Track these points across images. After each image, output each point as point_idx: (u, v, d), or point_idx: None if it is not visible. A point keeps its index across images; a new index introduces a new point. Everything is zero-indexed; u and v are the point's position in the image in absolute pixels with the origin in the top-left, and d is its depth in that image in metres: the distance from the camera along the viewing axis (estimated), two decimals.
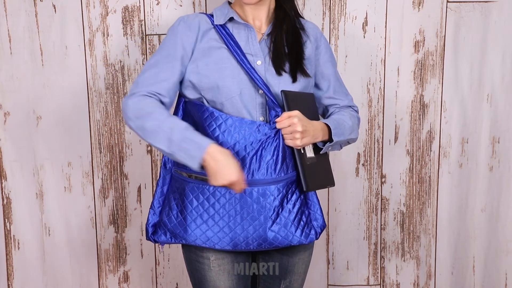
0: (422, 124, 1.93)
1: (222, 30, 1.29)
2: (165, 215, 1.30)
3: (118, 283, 1.98)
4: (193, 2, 1.85)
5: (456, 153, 1.95)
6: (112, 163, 1.91)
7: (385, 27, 1.88)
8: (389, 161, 1.95)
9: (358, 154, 1.95)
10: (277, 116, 1.24)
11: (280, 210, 1.26)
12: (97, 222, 1.94)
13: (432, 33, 1.88)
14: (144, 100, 1.21)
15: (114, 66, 1.86)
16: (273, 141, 1.24)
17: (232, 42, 1.27)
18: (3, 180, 1.90)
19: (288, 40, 1.33)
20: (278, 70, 1.29)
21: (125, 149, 1.90)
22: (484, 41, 1.88)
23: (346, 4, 1.86)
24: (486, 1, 1.86)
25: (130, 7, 1.83)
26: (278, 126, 1.23)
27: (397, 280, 2.03)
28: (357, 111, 1.47)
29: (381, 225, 1.99)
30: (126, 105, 1.22)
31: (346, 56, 1.89)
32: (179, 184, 1.29)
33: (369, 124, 1.93)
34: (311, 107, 1.35)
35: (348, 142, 1.39)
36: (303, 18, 1.40)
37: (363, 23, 1.88)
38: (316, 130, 1.27)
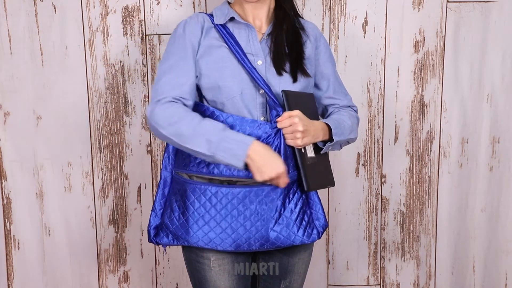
0: (422, 124, 1.93)
1: (223, 30, 1.29)
2: (167, 217, 1.29)
3: (118, 283, 1.98)
4: (193, 2, 1.85)
5: (456, 153, 1.95)
6: (112, 163, 1.91)
7: (385, 27, 1.88)
8: (389, 161, 1.95)
9: (358, 154, 1.95)
10: (278, 115, 1.24)
11: (283, 210, 1.26)
12: (97, 222, 1.94)
13: (432, 33, 1.88)
14: (171, 106, 1.20)
15: (114, 66, 1.86)
16: (274, 140, 1.24)
17: (232, 42, 1.27)
18: (3, 180, 1.90)
19: (288, 40, 1.33)
20: (279, 70, 1.29)
21: (125, 149, 1.90)
22: (484, 41, 1.88)
23: (346, 4, 1.86)
24: (486, 1, 1.86)
25: (130, 7, 1.83)
26: (279, 125, 1.22)
27: (397, 280, 2.03)
28: (356, 111, 1.47)
29: (381, 225, 1.99)
30: (154, 114, 1.20)
31: (346, 56, 1.89)
32: (180, 185, 1.28)
33: (369, 124, 1.93)
34: (311, 107, 1.36)
35: (347, 142, 1.39)
36: (302, 18, 1.41)
37: (363, 23, 1.88)
38: (316, 130, 1.27)
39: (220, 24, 1.30)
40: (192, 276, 1.35)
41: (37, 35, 1.82)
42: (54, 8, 1.82)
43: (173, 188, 1.31)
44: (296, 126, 1.21)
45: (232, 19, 1.31)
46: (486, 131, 1.94)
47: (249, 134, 1.23)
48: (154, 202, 1.35)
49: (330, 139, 1.32)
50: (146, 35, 1.85)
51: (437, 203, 1.98)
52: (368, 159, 1.95)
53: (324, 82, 1.43)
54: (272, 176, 1.16)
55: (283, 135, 1.24)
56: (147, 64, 1.86)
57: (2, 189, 1.90)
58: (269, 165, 1.16)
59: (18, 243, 1.93)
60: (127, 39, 1.84)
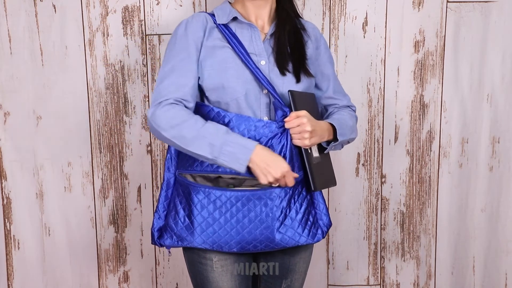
0: (422, 124, 1.93)
1: (225, 30, 1.28)
2: (172, 219, 1.28)
3: (118, 283, 1.98)
4: (193, 2, 1.85)
5: (456, 153, 1.95)
6: (112, 163, 1.91)
7: (385, 27, 1.88)
8: (389, 161, 1.95)
9: (358, 154, 1.95)
10: (285, 116, 1.24)
11: (288, 211, 1.26)
12: (97, 222, 1.94)
13: (432, 33, 1.88)
14: (173, 108, 1.20)
15: (114, 66, 1.86)
16: (281, 140, 1.24)
17: (236, 42, 1.27)
18: (3, 180, 1.90)
19: (290, 41, 1.33)
20: (282, 70, 1.29)
21: (125, 149, 1.90)
22: (484, 41, 1.88)
23: (346, 4, 1.86)
24: (486, 1, 1.86)
25: (130, 7, 1.83)
26: (287, 125, 1.22)
27: (397, 280, 2.03)
28: (354, 111, 1.48)
29: (381, 225, 1.99)
30: (156, 116, 1.20)
31: (346, 56, 1.89)
32: (184, 187, 1.28)
33: (369, 124, 1.93)
34: (315, 107, 1.36)
35: (348, 141, 1.40)
36: (302, 18, 1.41)
37: (363, 23, 1.88)
38: (323, 130, 1.27)
39: (223, 24, 1.30)
40: (194, 277, 1.34)
41: (37, 35, 1.82)
42: (54, 8, 1.82)
43: (177, 190, 1.31)
44: (305, 127, 1.21)
45: (234, 19, 1.31)
46: (486, 131, 1.94)
47: (255, 134, 1.23)
48: (157, 204, 1.34)
49: (334, 139, 1.32)
50: (146, 35, 1.85)
51: (437, 203, 1.98)
52: (368, 159, 1.95)
53: (324, 82, 1.43)
54: (277, 176, 1.17)
55: (290, 135, 1.24)
56: (147, 64, 1.86)
57: (2, 189, 1.90)
58: (273, 166, 1.16)
59: (18, 243, 1.93)
60: (127, 39, 1.84)
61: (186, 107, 1.23)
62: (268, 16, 1.34)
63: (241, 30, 1.30)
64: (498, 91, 1.91)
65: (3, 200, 1.90)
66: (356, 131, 1.42)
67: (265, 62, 1.29)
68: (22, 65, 1.84)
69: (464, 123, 1.94)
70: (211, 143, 1.16)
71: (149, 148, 1.91)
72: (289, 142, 1.24)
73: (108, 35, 1.84)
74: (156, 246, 1.97)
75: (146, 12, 1.84)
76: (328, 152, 1.38)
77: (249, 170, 1.18)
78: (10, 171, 1.89)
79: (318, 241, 1.31)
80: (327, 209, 1.35)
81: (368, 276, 2.02)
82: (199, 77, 1.27)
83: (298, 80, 1.30)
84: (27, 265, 1.94)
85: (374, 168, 1.95)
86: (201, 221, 1.24)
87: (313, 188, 1.26)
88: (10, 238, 1.93)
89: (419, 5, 1.87)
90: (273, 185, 1.21)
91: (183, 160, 1.29)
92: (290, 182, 1.19)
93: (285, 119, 1.22)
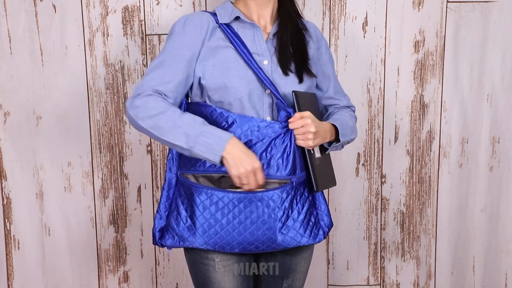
0: (422, 124, 1.93)
1: (228, 29, 1.28)
2: (173, 219, 1.28)
3: (118, 283, 1.98)
4: (193, 2, 1.85)
5: (456, 153, 1.95)
6: (112, 163, 1.91)
7: (385, 27, 1.88)
8: (389, 161, 1.95)
9: (358, 154, 1.95)
10: (289, 116, 1.24)
11: (290, 212, 1.25)
12: (97, 222, 1.94)
13: (432, 33, 1.88)
14: (153, 99, 1.20)
15: (114, 66, 1.86)
16: (284, 140, 1.24)
17: (238, 42, 1.26)
18: (3, 180, 1.90)
19: (293, 41, 1.32)
20: (285, 70, 1.29)
21: (125, 149, 1.90)
22: (484, 41, 1.88)
23: (346, 4, 1.86)
24: (486, 1, 1.86)
25: (130, 7, 1.83)
26: (291, 126, 1.22)
27: (397, 280, 2.03)
28: (354, 111, 1.48)
29: (381, 225, 1.99)
30: (134, 106, 1.20)
31: (346, 56, 1.89)
32: (186, 188, 1.27)
33: (369, 124, 1.93)
34: (316, 107, 1.36)
35: (348, 142, 1.40)
36: (303, 18, 1.41)
37: (363, 23, 1.88)
38: (325, 131, 1.28)
39: (225, 24, 1.29)
40: (196, 277, 1.33)
41: (37, 35, 1.82)
42: (54, 8, 1.82)
43: (178, 190, 1.30)
44: (309, 127, 1.21)
45: (237, 18, 1.31)
46: (486, 131, 1.94)
47: (258, 134, 1.23)
48: (158, 204, 1.33)
49: (336, 140, 1.33)
50: (146, 35, 1.85)
51: (437, 203, 1.98)
52: (368, 159, 1.95)
53: (325, 82, 1.43)
54: (248, 170, 1.16)
55: (293, 135, 1.24)
56: (147, 64, 1.85)
57: (2, 189, 1.90)
58: (246, 159, 1.16)
59: (18, 243, 1.93)
60: (127, 39, 1.84)
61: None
62: (270, 15, 1.34)
63: (244, 30, 1.30)
64: (498, 91, 1.91)
65: (3, 200, 1.90)
66: (356, 132, 1.43)
67: (268, 62, 1.28)
68: (22, 65, 1.84)
69: (464, 123, 1.94)
70: (187, 133, 1.16)
71: (149, 148, 1.91)
72: (292, 143, 1.24)
73: (108, 35, 1.84)
74: (156, 246, 1.97)
75: (146, 12, 1.84)
76: (329, 153, 1.38)
77: (223, 163, 1.18)
78: (10, 171, 1.89)
79: (319, 241, 1.31)
80: (329, 210, 1.35)
81: (368, 276, 2.02)
82: (200, 77, 1.26)
83: (300, 80, 1.30)
84: (27, 265, 1.94)
85: (374, 168, 1.95)
86: (203, 222, 1.24)
87: (315, 189, 1.26)
88: (10, 238, 1.93)
89: (419, 5, 1.87)
90: (243, 186, 1.19)
91: (185, 160, 1.29)
92: (260, 179, 1.19)
93: (289, 120, 1.22)
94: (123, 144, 1.90)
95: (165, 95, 1.22)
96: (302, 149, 1.26)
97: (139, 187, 1.93)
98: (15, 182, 1.90)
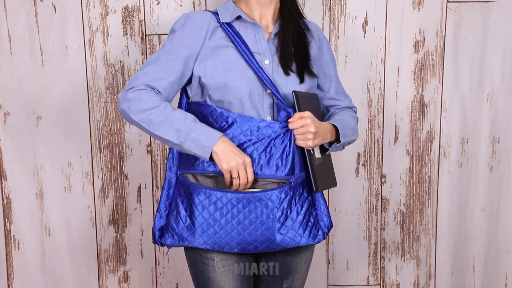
0: (422, 124, 1.93)
1: (229, 29, 1.28)
2: (173, 219, 1.28)
3: (118, 283, 1.98)
4: (193, 2, 1.85)
5: (456, 153, 1.95)
6: (112, 163, 1.91)
7: (385, 27, 1.88)
8: (389, 161, 1.95)
9: (358, 154, 1.95)
10: (289, 116, 1.24)
11: (289, 212, 1.25)
12: (97, 222, 1.94)
13: (432, 33, 1.88)
14: (146, 93, 1.21)
15: (114, 66, 1.86)
16: (284, 141, 1.24)
17: (239, 41, 1.27)
18: (3, 180, 1.90)
19: (294, 40, 1.32)
20: (286, 70, 1.29)
21: (125, 149, 1.90)
22: (484, 41, 1.88)
23: (346, 4, 1.86)
24: (486, 1, 1.86)
25: (130, 7, 1.83)
26: (291, 126, 1.23)
27: (397, 280, 2.03)
28: (356, 112, 1.48)
29: (381, 225, 1.99)
30: (126, 99, 1.21)
31: (346, 56, 1.89)
32: (185, 188, 1.27)
33: (369, 124, 1.93)
34: (317, 107, 1.36)
35: (349, 142, 1.40)
36: (306, 19, 1.41)
37: (363, 23, 1.88)
38: (326, 131, 1.28)
39: (226, 23, 1.29)
40: (196, 277, 1.34)
41: (37, 35, 1.82)
42: (54, 8, 1.82)
43: (178, 190, 1.30)
44: (308, 128, 1.21)
45: (238, 17, 1.31)
46: (486, 131, 1.94)
47: (258, 134, 1.23)
48: (158, 203, 1.34)
49: (336, 140, 1.32)
50: (146, 35, 1.85)
51: (437, 203, 1.98)
52: (368, 159, 1.95)
53: (326, 82, 1.43)
54: (239, 163, 1.18)
55: (293, 135, 1.24)
56: None
57: (2, 189, 1.90)
58: (236, 153, 1.18)
59: (18, 243, 1.93)
60: (127, 39, 1.84)
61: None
62: (272, 15, 1.34)
63: (245, 29, 1.30)
64: (498, 91, 1.91)
65: (3, 200, 1.90)
66: (357, 132, 1.42)
67: (269, 62, 1.28)
68: (22, 65, 1.84)
69: (464, 123, 1.94)
70: (178, 128, 1.18)
71: (149, 148, 1.91)
72: (292, 143, 1.24)
73: (108, 35, 1.84)
74: (156, 246, 1.97)
75: (146, 12, 1.84)
76: (329, 153, 1.38)
77: (212, 159, 1.20)
78: (10, 171, 1.89)
79: (318, 242, 1.31)
80: (328, 210, 1.35)
81: (368, 276, 2.02)
82: (200, 76, 1.27)
83: (301, 81, 1.30)
84: (27, 265, 1.94)
85: (374, 168, 1.95)
86: (202, 222, 1.24)
87: (315, 190, 1.26)
88: (10, 238, 1.93)
89: (419, 5, 1.87)
90: (234, 182, 1.20)
91: (184, 160, 1.29)
92: (250, 174, 1.20)
93: (289, 120, 1.23)
94: (123, 144, 1.90)
95: (158, 91, 1.24)
96: (302, 149, 1.26)
97: (139, 187, 1.93)
98: (15, 182, 1.90)
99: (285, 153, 1.24)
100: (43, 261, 1.94)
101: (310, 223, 1.29)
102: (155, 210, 1.36)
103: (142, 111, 1.20)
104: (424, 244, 2.00)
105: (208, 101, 1.28)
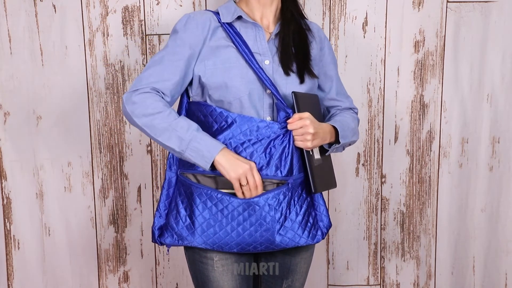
0: (422, 124, 1.93)
1: (230, 29, 1.28)
2: (173, 218, 1.28)
3: (118, 283, 1.98)
4: (193, 2, 1.85)
5: (456, 153, 1.95)
6: (112, 163, 1.91)
7: (385, 27, 1.88)
8: (389, 161, 1.95)
9: (358, 154, 1.95)
10: (288, 117, 1.24)
11: (288, 213, 1.25)
12: (97, 222, 1.94)
13: (432, 33, 1.88)
14: (151, 97, 1.21)
15: (114, 66, 1.86)
16: (283, 141, 1.24)
17: (240, 41, 1.27)
18: (3, 180, 1.90)
19: (295, 41, 1.32)
20: (287, 71, 1.29)
21: (125, 149, 1.90)
22: (484, 41, 1.88)
23: (346, 4, 1.86)
24: (486, 1, 1.86)
25: (130, 7, 1.83)
26: (289, 127, 1.23)
27: (397, 280, 2.03)
28: (357, 113, 1.48)
29: (381, 225, 1.99)
30: (131, 101, 1.21)
31: (346, 56, 1.89)
32: (186, 188, 1.28)
33: (369, 124, 1.93)
34: (317, 108, 1.36)
35: (349, 144, 1.40)
36: (307, 19, 1.41)
37: (363, 23, 1.88)
38: (325, 132, 1.27)
39: (227, 23, 1.29)
40: (195, 276, 1.34)
41: (37, 35, 1.83)
42: (54, 8, 1.82)
43: (178, 189, 1.30)
44: (307, 128, 1.21)
45: (239, 17, 1.31)
46: (486, 131, 1.94)
47: (257, 134, 1.23)
48: (158, 203, 1.34)
49: (336, 141, 1.32)
50: (146, 35, 1.85)
51: (437, 203, 1.98)
52: (368, 159, 1.95)
53: (327, 83, 1.43)
54: (246, 168, 1.18)
55: (292, 136, 1.24)
56: None
57: (2, 189, 1.90)
58: (240, 161, 1.19)
59: (18, 243, 1.93)
60: (127, 39, 1.84)
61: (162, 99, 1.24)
62: (273, 15, 1.34)
63: (246, 30, 1.30)
64: (498, 91, 1.91)
65: (3, 200, 1.90)
66: (358, 134, 1.42)
67: (269, 62, 1.28)
68: (22, 65, 1.84)
69: (464, 123, 1.94)
70: (180, 136, 1.18)
71: (149, 148, 1.91)
72: (291, 144, 1.24)
73: (108, 35, 1.84)
74: (156, 246, 1.97)
75: (146, 12, 1.84)
76: (329, 154, 1.38)
77: (215, 168, 1.20)
78: (10, 171, 1.89)
79: (317, 242, 1.31)
80: (327, 210, 1.35)
81: (368, 276, 2.02)
82: (200, 75, 1.27)
83: (301, 81, 1.30)
84: (27, 265, 1.94)
85: (374, 168, 1.95)
86: (202, 222, 1.24)
87: (313, 190, 1.26)
88: (10, 238, 1.93)
89: (419, 5, 1.87)
90: (243, 190, 1.20)
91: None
92: (258, 178, 1.20)
93: (288, 121, 1.22)
94: (123, 144, 1.90)
95: (162, 93, 1.23)
96: (301, 150, 1.26)
97: (139, 187, 1.93)
98: (15, 182, 1.90)
99: (284, 154, 1.24)
100: (43, 261, 1.94)
101: (309, 224, 1.29)
102: (155, 210, 1.36)
103: (146, 115, 1.19)
104: (424, 244, 2.00)
105: (208, 101, 1.28)
